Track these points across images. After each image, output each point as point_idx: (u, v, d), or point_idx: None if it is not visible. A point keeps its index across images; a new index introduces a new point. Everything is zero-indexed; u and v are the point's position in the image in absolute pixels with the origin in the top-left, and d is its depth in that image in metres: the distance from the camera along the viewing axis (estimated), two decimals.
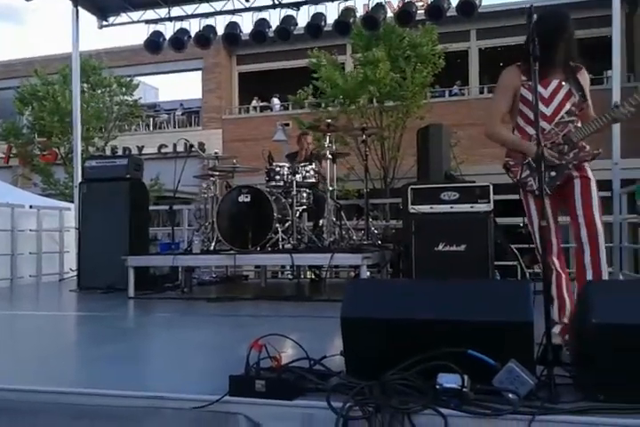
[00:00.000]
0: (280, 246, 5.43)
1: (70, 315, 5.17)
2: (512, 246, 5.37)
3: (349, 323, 2.19)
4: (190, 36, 7.72)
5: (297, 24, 7.53)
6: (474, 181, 5.00)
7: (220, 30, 7.69)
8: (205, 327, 4.00)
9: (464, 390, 1.89)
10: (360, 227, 6.35)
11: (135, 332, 4.11)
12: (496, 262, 4.78)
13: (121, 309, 5.07)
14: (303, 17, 7.40)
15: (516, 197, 3.12)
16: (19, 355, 3.13)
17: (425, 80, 13.48)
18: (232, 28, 7.65)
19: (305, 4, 7.43)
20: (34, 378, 2.52)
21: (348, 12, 7.32)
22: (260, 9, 7.59)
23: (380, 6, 7.26)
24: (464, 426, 1.86)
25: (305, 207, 6.10)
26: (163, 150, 18.09)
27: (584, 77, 2.96)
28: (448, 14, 6.96)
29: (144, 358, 3.15)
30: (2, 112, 18.98)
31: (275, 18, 7.44)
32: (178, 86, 26.78)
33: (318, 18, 7.35)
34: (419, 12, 7.27)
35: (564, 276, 2.89)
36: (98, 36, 17.26)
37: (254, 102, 19.66)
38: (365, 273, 4.92)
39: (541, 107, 2.72)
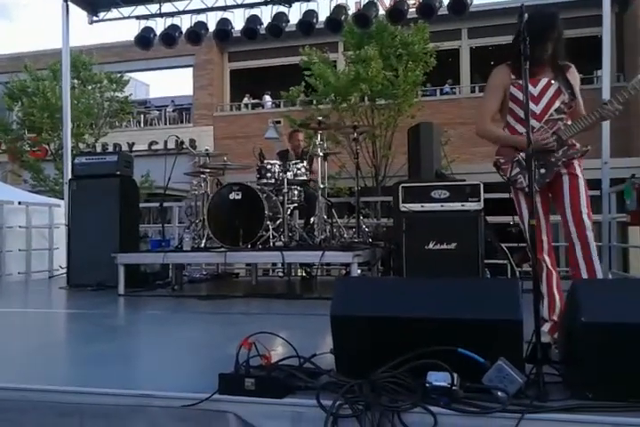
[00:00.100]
0: (271, 244, 5.43)
1: (59, 312, 5.14)
2: (502, 245, 5.40)
3: (339, 321, 2.19)
4: (181, 33, 7.68)
5: (288, 21, 7.50)
6: (464, 180, 5.01)
7: (212, 27, 7.67)
8: (196, 325, 3.98)
9: (453, 388, 1.90)
10: (351, 225, 6.35)
11: (125, 329, 4.09)
12: (486, 261, 4.79)
13: (111, 306, 5.04)
14: (295, 14, 7.39)
15: (506, 195, 3.14)
16: (6, 353, 3.10)
17: (416, 79, 13.49)
18: (223, 24, 7.62)
19: (297, 0, 7.40)
20: (21, 376, 2.50)
21: (340, 9, 7.30)
22: (251, 5, 7.56)
23: (371, 4, 7.25)
24: (453, 424, 1.86)
25: (296, 205, 6.10)
26: (153, 147, 18.03)
27: (573, 76, 2.99)
28: (439, 13, 6.97)
29: (133, 355, 3.13)
30: None
31: (266, 15, 7.43)
32: (169, 83, 26.69)
33: (310, 15, 7.33)
34: (410, 10, 7.27)
35: (554, 274, 2.91)
36: (88, 32, 17.06)
37: (246, 99, 19.62)
38: (356, 271, 4.92)
39: (531, 105, 2.73)
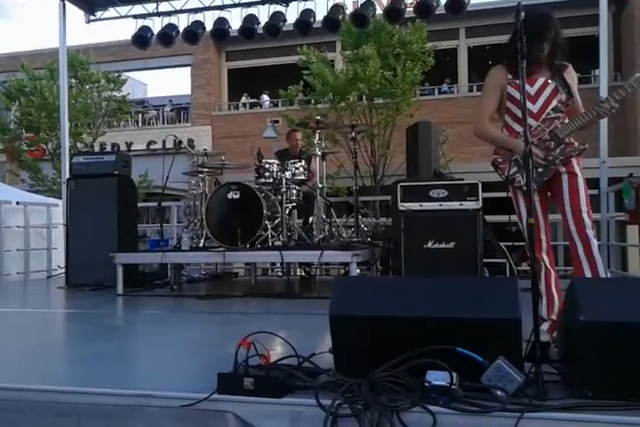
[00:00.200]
0: (270, 244, 5.42)
1: (58, 312, 5.13)
2: (501, 244, 5.40)
3: (338, 320, 2.19)
4: (179, 32, 7.68)
5: (286, 20, 7.49)
6: (463, 179, 5.01)
7: (209, 26, 7.66)
8: (194, 325, 3.98)
9: (453, 387, 1.89)
10: (350, 224, 6.34)
11: (123, 329, 4.09)
12: (485, 260, 4.80)
13: (109, 306, 5.03)
14: (292, 13, 7.40)
15: (504, 194, 3.14)
16: (4, 353, 3.09)
17: (414, 78, 13.50)
18: (220, 23, 7.61)
19: (294, 0, 7.40)
20: (19, 376, 2.49)
21: (337, 8, 7.30)
22: (249, 5, 7.56)
23: (369, 3, 7.25)
24: (453, 423, 1.86)
25: (294, 204, 6.09)
26: (151, 147, 18.01)
27: (570, 75, 2.99)
28: (437, 12, 6.98)
29: (132, 355, 3.13)
30: None
31: (264, 14, 7.42)
32: (166, 82, 26.65)
33: (307, 14, 7.33)
34: (408, 9, 7.28)
35: (553, 273, 2.91)
36: (85, 31, 17.08)
37: (244, 99, 19.61)
38: (355, 270, 4.92)
39: (528, 104, 2.76)
